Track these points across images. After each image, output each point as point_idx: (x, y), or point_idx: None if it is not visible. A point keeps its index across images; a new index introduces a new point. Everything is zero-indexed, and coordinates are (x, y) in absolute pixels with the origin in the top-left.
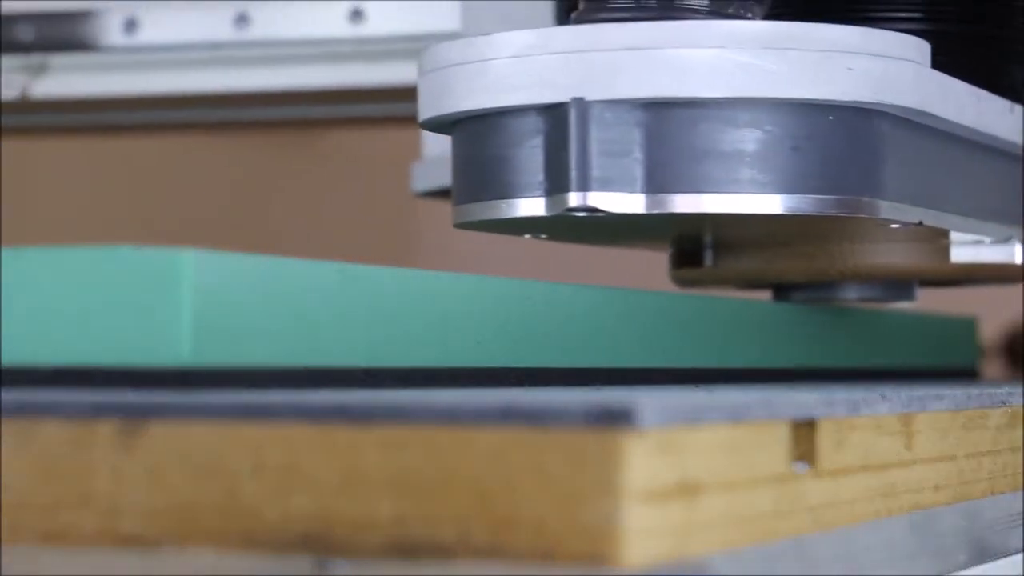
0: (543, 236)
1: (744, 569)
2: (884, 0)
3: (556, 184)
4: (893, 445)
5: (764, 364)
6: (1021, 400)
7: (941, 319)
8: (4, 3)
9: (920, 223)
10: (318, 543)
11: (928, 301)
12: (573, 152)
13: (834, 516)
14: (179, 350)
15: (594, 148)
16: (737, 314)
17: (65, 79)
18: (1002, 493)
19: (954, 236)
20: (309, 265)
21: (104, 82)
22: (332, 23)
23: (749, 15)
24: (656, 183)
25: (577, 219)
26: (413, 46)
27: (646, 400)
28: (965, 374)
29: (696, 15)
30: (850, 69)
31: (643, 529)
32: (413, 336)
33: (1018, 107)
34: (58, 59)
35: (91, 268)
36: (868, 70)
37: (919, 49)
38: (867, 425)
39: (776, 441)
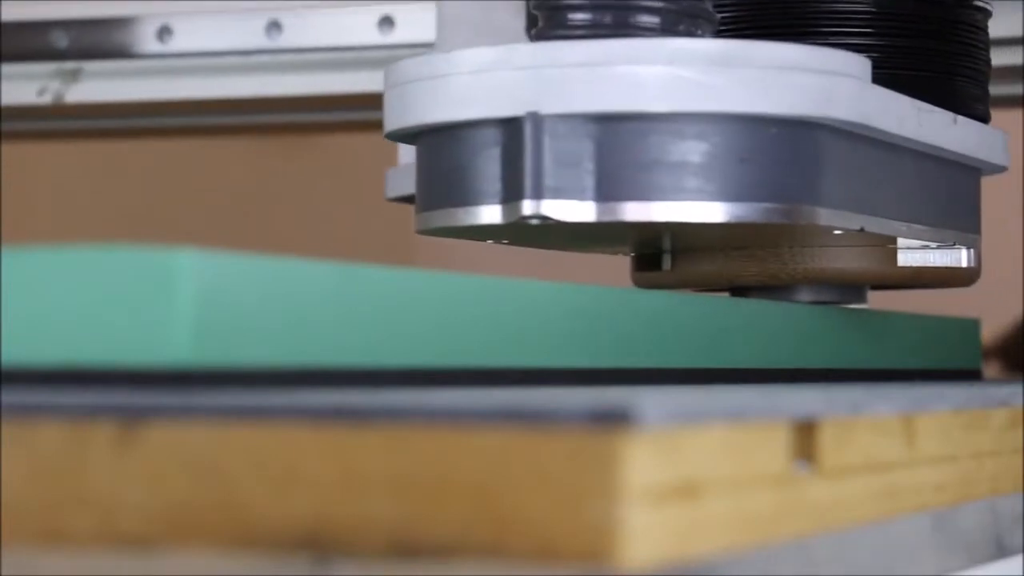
0: (505, 241)
1: (744, 569)
2: (829, 17)
3: (511, 192)
4: (894, 445)
5: (764, 364)
6: (1022, 401)
7: (943, 321)
8: (40, 9)
9: (862, 229)
10: (318, 543)
11: (929, 302)
12: (528, 162)
13: (835, 516)
14: (178, 350)
15: (548, 159)
16: (737, 314)
17: (99, 85)
18: (1004, 494)
19: (902, 242)
20: (309, 265)
21: (137, 88)
22: (362, 30)
23: (698, 33)
24: (606, 192)
25: (533, 226)
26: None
27: (646, 400)
28: (967, 375)
29: (648, 33)
30: (793, 85)
31: (643, 529)
32: (413, 336)
33: (961, 119)
34: (93, 65)
35: (91, 268)
36: (810, 86)
37: (860, 65)
38: (868, 425)
39: (776, 441)
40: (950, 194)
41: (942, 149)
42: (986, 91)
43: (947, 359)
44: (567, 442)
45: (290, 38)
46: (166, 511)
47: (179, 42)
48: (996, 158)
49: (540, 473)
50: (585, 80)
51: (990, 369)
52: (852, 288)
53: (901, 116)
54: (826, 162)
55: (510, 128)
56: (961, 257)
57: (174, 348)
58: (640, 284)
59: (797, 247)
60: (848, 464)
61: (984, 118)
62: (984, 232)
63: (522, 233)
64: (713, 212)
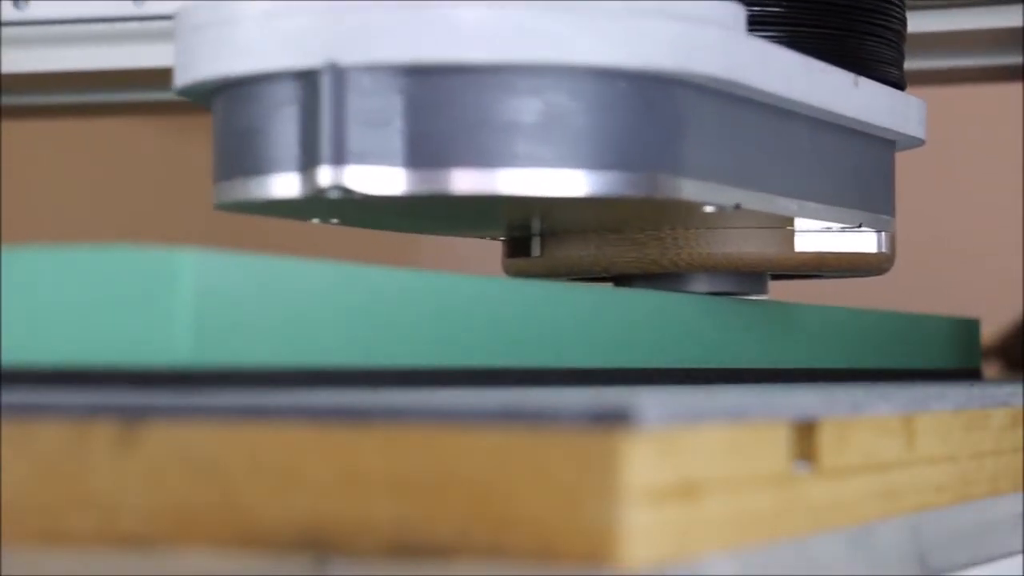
0: (334, 221)
1: (744, 569)
2: None
3: (309, 159)
4: (894, 445)
5: (764, 364)
6: (1022, 401)
7: (943, 320)
8: None
9: (738, 206)
10: (317, 543)
11: (927, 302)
12: (326, 122)
13: (835, 516)
14: (178, 350)
15: (350, 118)
16: (737, 314)
17: None
18: (1004, 494)
19: (800, 224)
20: (309, 265)
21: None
22: None
23: None
24: (419, 158)
25: (345, 200)
26: None
27: (646, 400)
28: (966, 375)
29: None
30: (646, 33)
31: (643, 529)
32: (413, 336)
33: (865, 81)
34: None
35: (90, 268)
36: (668, 35)
37: (731, 13)
38: (868, 425)
39: (777, 441)
40: (855, 169)
41: (841, 115)
42: (900, 54)
43: (947, 359)
44: (567, 442)
45: (160, 5)
46: (166, 511)
47: (36, 9)
48: (910, 128)
49: (540, 473)
50: (393, 25)
51: (990, 368)
52: (748, 277)
53: (787, 75)
54: (690, 125)
55: (307, 82)
56: (870, 241)
57: (174, 348)
58: (510, 272)
59: (680, 229)
60: (848, 464)
61: (898, 84)
62: (984, 231)
63: (341, 209)
64: (550, 182)
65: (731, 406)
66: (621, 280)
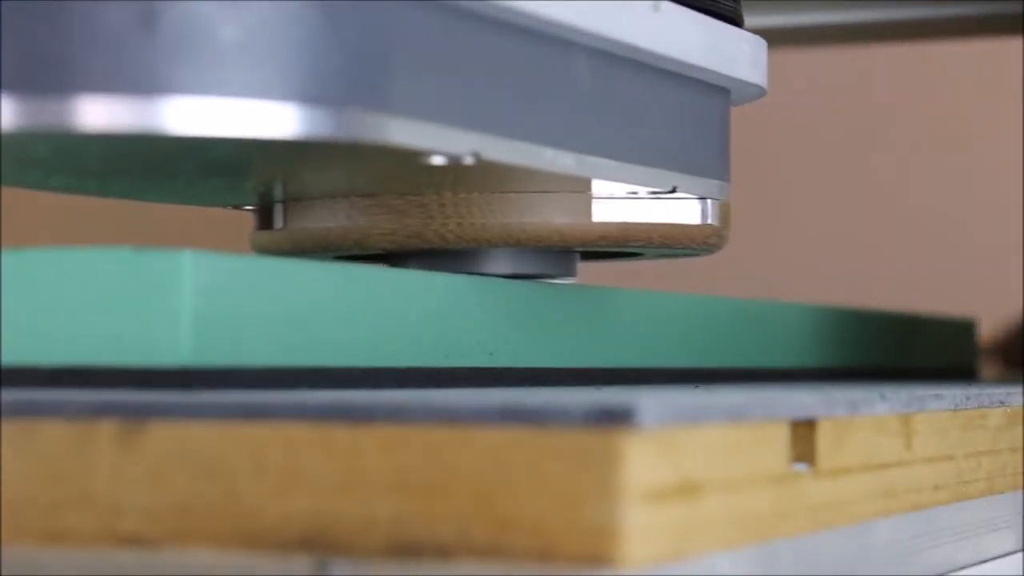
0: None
1: (744, 569)
2: None
3: None
4: (892, 445)
5: (763, 364)
6: (1020, 400)
7: (940, 320)
8: None
9: (476, 156)
10: (318, 543)
11: (924, 302)
12: None
13: (834, 516)
14: (179, 350)
15: None
16: (737, 314)
17: None
18: (1001, 493)
19: (600, 188)
20: (309, 265)
21: None
22: None
23: None
24: (31, 84)
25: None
26: None
27: (646, 400)
28: (963, 375)
29: None
30: None
31: (643, 529)
32: (413, 336)
33: (671, 6)
34: None
35: (91, 269)
36: None
37: None
38: (866, 425)
39: (776, 441)
40: (666, 120)
41: (633, 47)
42: None
43: (944, 358)
44: (567, 442)
45: None
46: (167, 510)
47: None
48: (739, 71)
49: (540, 473)
50: None
51: (990, 368)
52: (549, 257)
53: None
54: (407, 49)
55: None
56: (691, 211)
57: (175, 348)
58: (255, 249)
59: (448, 194)
60: (846, 464)
61: (733, 19)
62: (983, 229)
63: (39, 168)
64: (201, 119)
65: (731, 406)
66: (393, 259)
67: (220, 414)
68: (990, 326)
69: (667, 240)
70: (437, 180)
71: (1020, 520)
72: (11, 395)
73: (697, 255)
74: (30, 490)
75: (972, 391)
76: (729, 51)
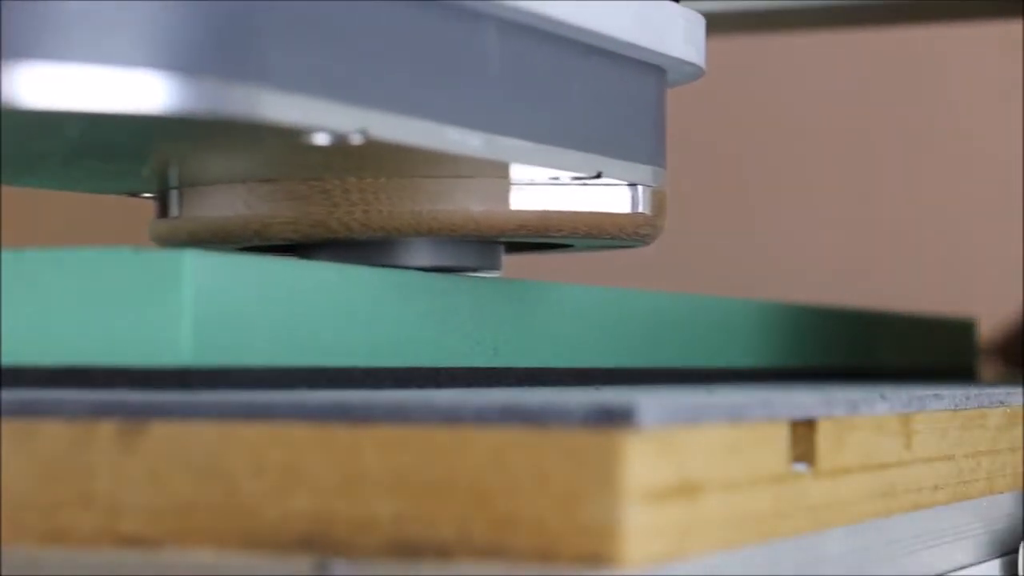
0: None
1: (744, 569)
2: None
3: None
4: (892, 445)
5: (764, 364)
6: (1020, 400)
7: (939, 320)
8: None
9: (364, 133)
10: (318, 543)
11: (924, 302)
12: None
13: (833, 516)
14: (179, 350)
15: None
16: (737, 314)
17: None
18: (1000, 493)
19: (520, 174)
20: (309, 265)
21: None
22: None
23: None
24: None
25: None
26: None
27: (646, 400)
28: (963, 375)
29: None
30: None
31: (643, 529)
32: (413, 336)
33: None
34: None
35: (91, 269)
36: None
37: None
38: (866, 425)
39: (776, 441)
40: (591, 99)
41: (557, 22)
42: None
43: (944, 358)
44: (567, 442)
45: None
46: (167, 511)
47: None
48: (671, 47)
49: (539, 473)
50: None
51: (990, 367)
52: (470, 248)
53: None
54: (285, 18)
55: None
56: (619, 199)
57: (176, 348)
58: (153, 238)
59: (352, 179)
60: (846, 464)
61: None
62: (983, 229)
63: None
64: (37, 89)
65: (731, 406)
66: (301, 250)
67: (220, 414)
68: (990, 326)
69: (593, 229)
70: (338, 164)
71: (1019, 520)
72: (11, 395)
73: (630, 247)
74: (30, 490)
75: (972, 391)
76: (661, 26)
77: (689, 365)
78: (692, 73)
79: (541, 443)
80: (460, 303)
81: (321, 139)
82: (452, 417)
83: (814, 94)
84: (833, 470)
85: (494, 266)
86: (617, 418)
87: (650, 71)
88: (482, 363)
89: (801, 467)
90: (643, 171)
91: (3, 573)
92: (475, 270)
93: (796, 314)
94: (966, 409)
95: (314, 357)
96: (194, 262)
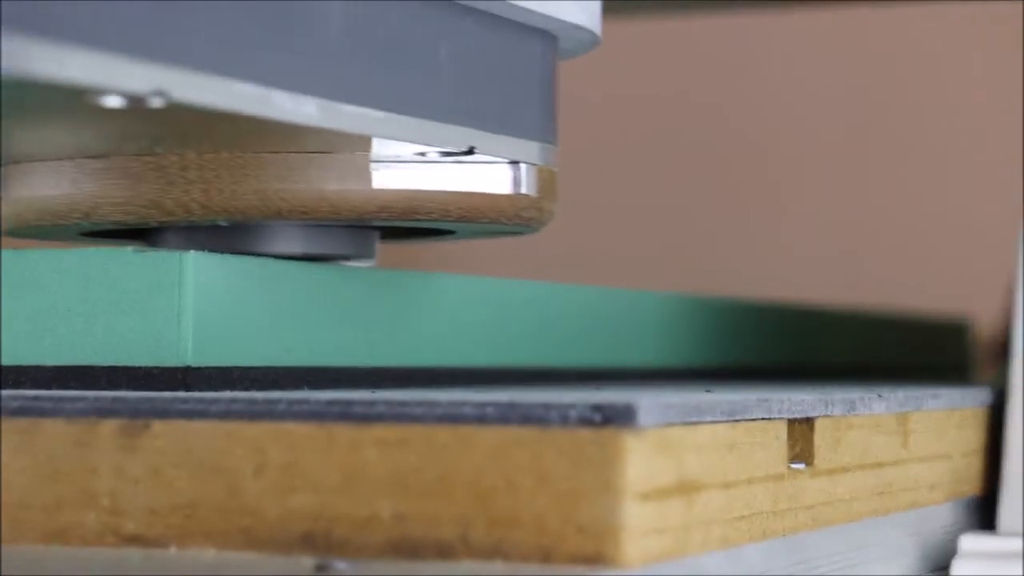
0: None
1: (743, 568)
2: None
3: None
4: (889, 444)
5: (763, 364)
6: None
7: (935, 319)
8: None
9: (161, 95)
10: (319, 542)
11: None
12: None
13: (831, 514)
14: (181, 350)
15: None
16: (736, 314)
17: None
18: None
19: (382, 149)
20: (309, 265)
21: None
22: None
23: None
24: None
25: None
26: None
27: (646, 400)
28: (959, 374)
29: None
30: None
31: (642, 529)
32: (413, 336)
33: None
34: None
35: (92, 268)
36: None
37: None
38: (864, 424)
39: (774, 440)
40: (464, 66)
41: None
42: None
43: (940, 358)
44: (566, 442)
45: None
46: (169, 510)
47: None
48: (565, 13)
49: (540, 473)
50: None
51: (988, 367)
52: (336, 234)
53: None
54: None
55: None
56: (499, 178)
57: (177, 348)
58: None
59: (191, 154)
60: (844, 463)
61: None
62: (982, 226)
63: None
64: None
65: (729, 406)
66: (149, 236)
67: (221, 413)
68: (987, 326)
69: (467, 212)
70: (171, 136)
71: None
72: (12, 395)
73: (515, 232)
74: (31, 490)
75: (968, 390)
76: None
77: (689, 365)
78: (588, 41)
79: (541, 443)
80: (460, 303)
81: (113, 101)
82: (452, 417)
83: (808, 92)
84: (831, 469)
85: (367, 255)
86: (617, 418)
87: (537, 36)
88: (482, 363)
89: (799, 466)
90: (527, 147)
91: (4, 573)
92: (346, 259)
93: (791, 313)
94: (962, 408)
95: (314, 357)
96: (195, 262)
